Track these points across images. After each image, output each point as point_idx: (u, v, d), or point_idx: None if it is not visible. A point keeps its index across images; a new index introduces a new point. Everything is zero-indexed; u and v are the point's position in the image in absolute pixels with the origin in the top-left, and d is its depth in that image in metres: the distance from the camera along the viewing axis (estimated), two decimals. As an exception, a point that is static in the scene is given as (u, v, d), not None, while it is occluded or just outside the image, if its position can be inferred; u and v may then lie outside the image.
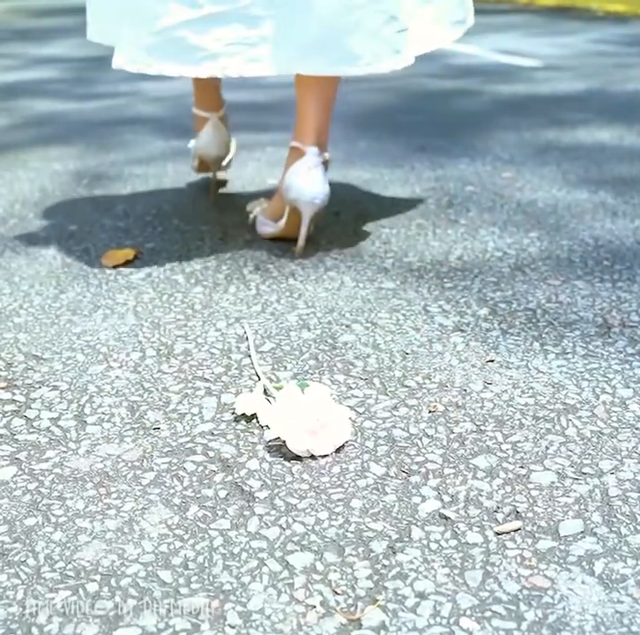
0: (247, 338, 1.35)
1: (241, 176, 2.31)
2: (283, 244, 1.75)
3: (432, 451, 1.05)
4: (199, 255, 1.72)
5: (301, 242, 1.67)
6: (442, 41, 1.71)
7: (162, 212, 2.01)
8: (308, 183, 1.61)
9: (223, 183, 2.24)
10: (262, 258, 1.69)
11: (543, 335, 1.33)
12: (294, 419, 1.04)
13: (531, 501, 0.95)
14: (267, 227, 1.78)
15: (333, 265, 1.64)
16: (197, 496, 0.98)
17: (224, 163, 2.08)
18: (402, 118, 3.10)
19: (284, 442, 1.07)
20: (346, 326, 1.38)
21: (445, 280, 1.55)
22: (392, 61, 1.55)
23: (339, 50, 1.51)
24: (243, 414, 1.13)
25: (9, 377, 1.25)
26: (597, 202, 2.00)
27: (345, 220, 1.90)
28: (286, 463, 1.03)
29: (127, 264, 1.68)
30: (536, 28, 6.39)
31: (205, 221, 1.93)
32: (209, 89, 1.98)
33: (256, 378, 1.23)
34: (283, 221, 1.72)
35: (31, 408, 1.17)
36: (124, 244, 1.79)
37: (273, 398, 1.16)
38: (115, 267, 1.66)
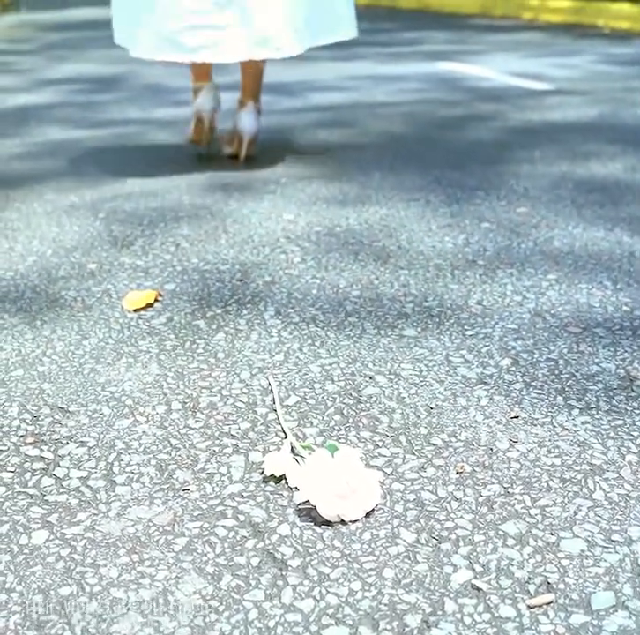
0: (271, 390, 1.35)
1: (256, 211, 2.32)
2: (302, 287, 1.77)
3: (461, 516, 1.05)
4: (219, 297, 1.73)
5: (241, 156, 2.86)
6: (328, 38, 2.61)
7: (181, 249, 2.03)
8: (247, 121, 2.77)
9: (239, 203, 2.25)
10: (282, 302, 1.69)
11: (566, 388, 1.34)
12: (324, 483, 1.05)
13: (562, 571, 0.96)
14: (227, 149, 2.88)
15: (354, 310, 1.64)
16: (230, 564, 0.98)
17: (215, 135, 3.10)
18: (415, 148, 3.11)
19: (314, 506, 1.07)
20: (370, 378, 1.39)
21: (466, 328, 1.56)
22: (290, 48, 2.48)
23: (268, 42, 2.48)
24: (272, 475, 1.14)
25: (36, 432, 1.26)
26: (613, 241, 2.01)
27: (363, 260, 1.91)
28: (317, 528, 1.04)
29: (148, 307, 1.69)
30: (544, 48, 6.41)
31: (224, 260, 1.94)
32: (202, 68, 2.84)
33: (283, 435, 1.23)
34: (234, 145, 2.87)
35: (59, 467, 1.18)
36: (144, 285, 1.80)
37: (301, 457, 1.17)
38: (136, 311, 1.67)
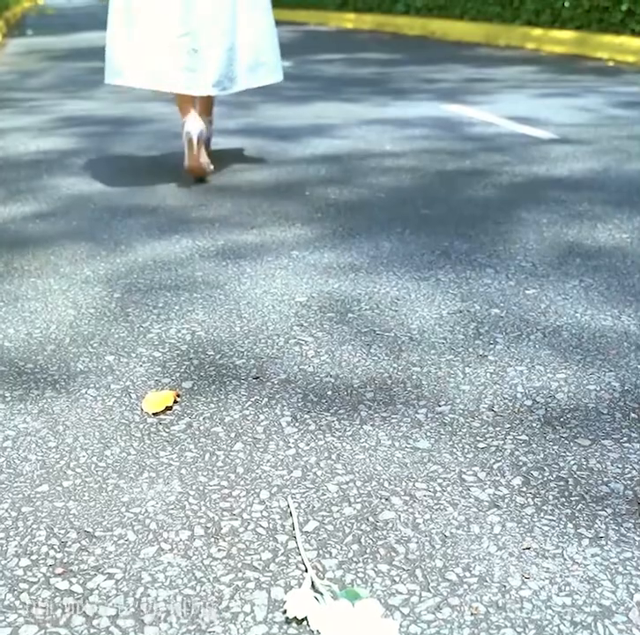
0: (291, 513, 1.40)
1: (269, 291, 2.37)
2: (317, 388, 1.81)
3: (477, 667, 1.10)
4: (237, 399, 1.77)
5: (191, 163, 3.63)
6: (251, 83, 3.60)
7: (196, 338, 2.08)
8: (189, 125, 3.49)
9: (251, 300, 2.29)
10: (297, 405, 1.74)
11: (576, 514, 1.39)
12: (344, 633, 1.09)
13: None
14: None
15: (368, 417, 1.69)
16: None
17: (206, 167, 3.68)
18: (424, 211, 3.16)
19: (335, 656, 1.12)
20: (386, 500, 1.43)
21: (478, 438, 1.60)
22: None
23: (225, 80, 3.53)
24: (294, 617, 1.18)
25: (64, 561, 1.31)
26: (620, 331, 2.05)
27: (376, 355, 1.96)
28: (339, 680, 1.08)
29: (167, 410, 1.74)
30: (549, 86, 6.46)
31: (239, 353, 1.99)
32: (186, 105, 3.54)
33: (304, 567, 1.28)
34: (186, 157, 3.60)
35: (89, 602, 1.22)
36: (162, 382, 1.85)
37: (321, 594, 1.21)
38: (155, 415, 1.72)
